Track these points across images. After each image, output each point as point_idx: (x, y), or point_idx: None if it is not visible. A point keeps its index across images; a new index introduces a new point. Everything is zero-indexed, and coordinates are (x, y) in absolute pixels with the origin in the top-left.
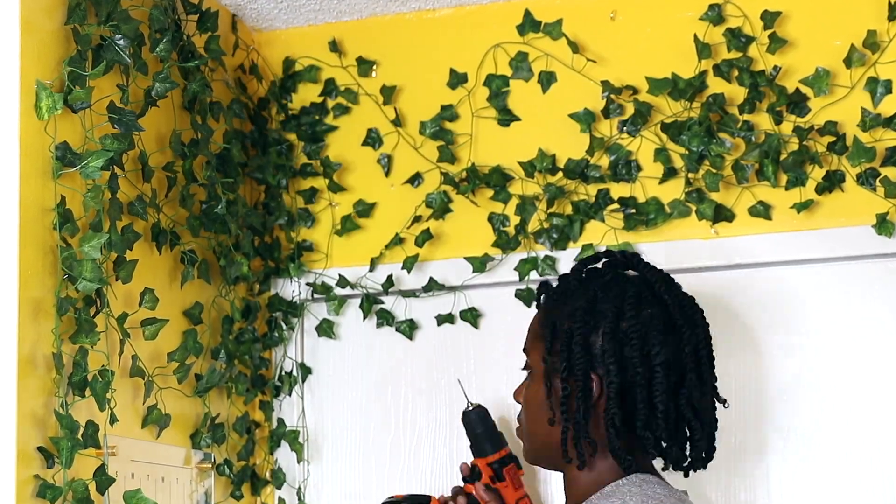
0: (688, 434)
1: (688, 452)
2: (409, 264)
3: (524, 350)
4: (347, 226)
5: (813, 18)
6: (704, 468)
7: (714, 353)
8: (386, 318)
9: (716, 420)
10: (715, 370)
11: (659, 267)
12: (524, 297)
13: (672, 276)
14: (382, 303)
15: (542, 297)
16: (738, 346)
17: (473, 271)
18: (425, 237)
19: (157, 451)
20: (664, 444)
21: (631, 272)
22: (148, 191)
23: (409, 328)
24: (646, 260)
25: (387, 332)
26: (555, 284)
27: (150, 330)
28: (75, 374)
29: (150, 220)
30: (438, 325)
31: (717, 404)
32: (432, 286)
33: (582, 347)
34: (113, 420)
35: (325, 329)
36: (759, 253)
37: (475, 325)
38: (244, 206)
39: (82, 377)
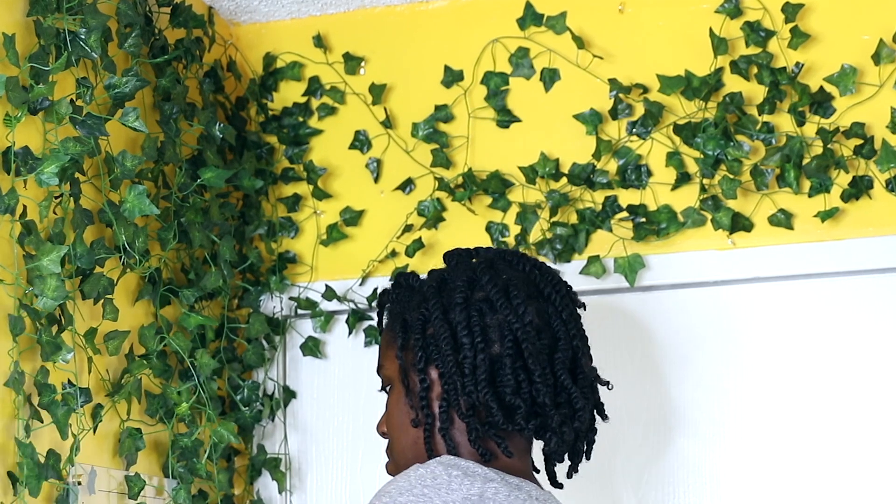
0: (570, 404)
1: (571, 426)
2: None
3: (377, 370)
4: (333, 235)
5: (838, 11)
6: (588, 458)
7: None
8: (374, 335)
9: (596, 393)
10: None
11: (672, 282)
12: None
13: (689, 289)
14: (371, 318)
15: (384, 303)
16: (756, 364)
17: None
18: (416, 247)
19: (129, 481)
20: (539, 418)
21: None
22: (116, 198)
23: None
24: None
25: (376, 350)
26: (393, 286)
27: (112, 344)
28: (40, 397)
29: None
30: None
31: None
32: None
33: (439, 328)
34: (78, 449)
35: (311, 348)
36: (780, 265)
37: None
38: (220, 215)
39: (47, 400)
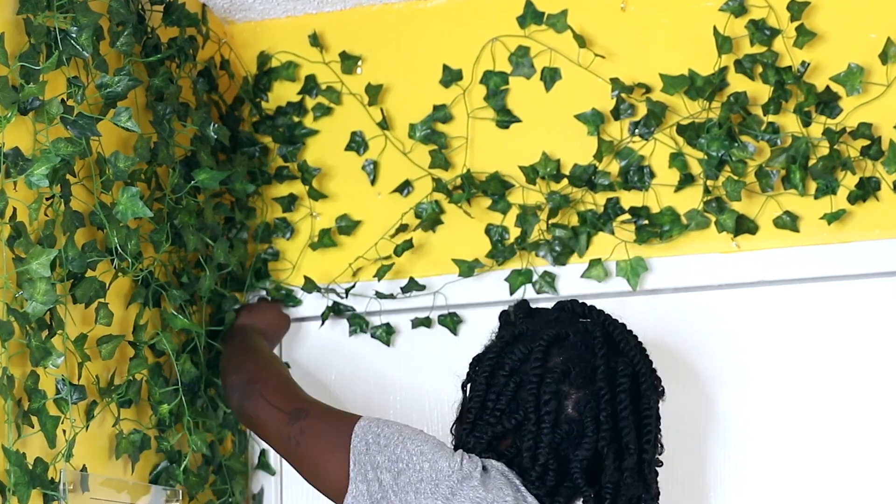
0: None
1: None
2: (381, 272)
3: None
4: (325, 241)
5: (845, 9)
6: None
7: (654, 427)
8: (359, 324)
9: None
10: (646, 441)
11: (675, 285)
12: None
13: (693, 293)
14: (351, 309)
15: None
16: (761, 369)
17: (460, 275)
18: (405, 247)
19: (121, 487)
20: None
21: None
22: (108, 200)
23: (385, 333)
24: (600, 310)
25: (364, 340)
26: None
27: (106, 348)
28: (30, 402)
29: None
30: (413, 327)
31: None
32: (412, 287)
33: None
34: (69, 456)
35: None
36: (786, 269)
37: (454, 332)
38: (213, 217)
39: (37, 406)
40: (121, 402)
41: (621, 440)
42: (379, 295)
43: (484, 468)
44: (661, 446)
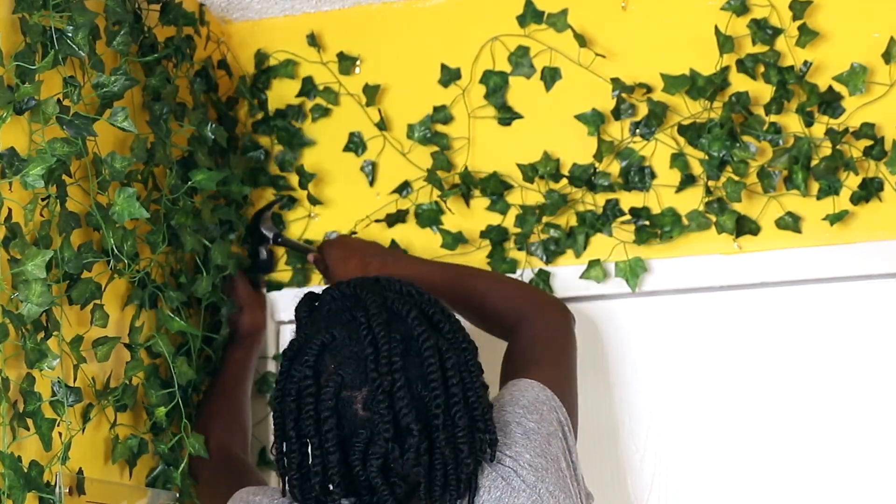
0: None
1: None
2: None
3: None
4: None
5: (848, 8)
6: None
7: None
8: None
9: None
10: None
11: (675, 287)
12: None
13: (693, 295)
14: None
15: None
16: (763, 372)
17: (441, 245)
18: (397, 218)
19: (117, 491)
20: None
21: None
22: (104, 201)
23: None
24: (362, 281)
25: None
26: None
27: (101, 351)
28: (25, 405)
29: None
30: None
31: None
32: None
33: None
34: (64, 459)
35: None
36: (788, 270)
37: None
38: (211, 218)
39: (32, 408)
40: (117, 406)
41: (399, 424)
42: None
43: None
44: (477, 398)
